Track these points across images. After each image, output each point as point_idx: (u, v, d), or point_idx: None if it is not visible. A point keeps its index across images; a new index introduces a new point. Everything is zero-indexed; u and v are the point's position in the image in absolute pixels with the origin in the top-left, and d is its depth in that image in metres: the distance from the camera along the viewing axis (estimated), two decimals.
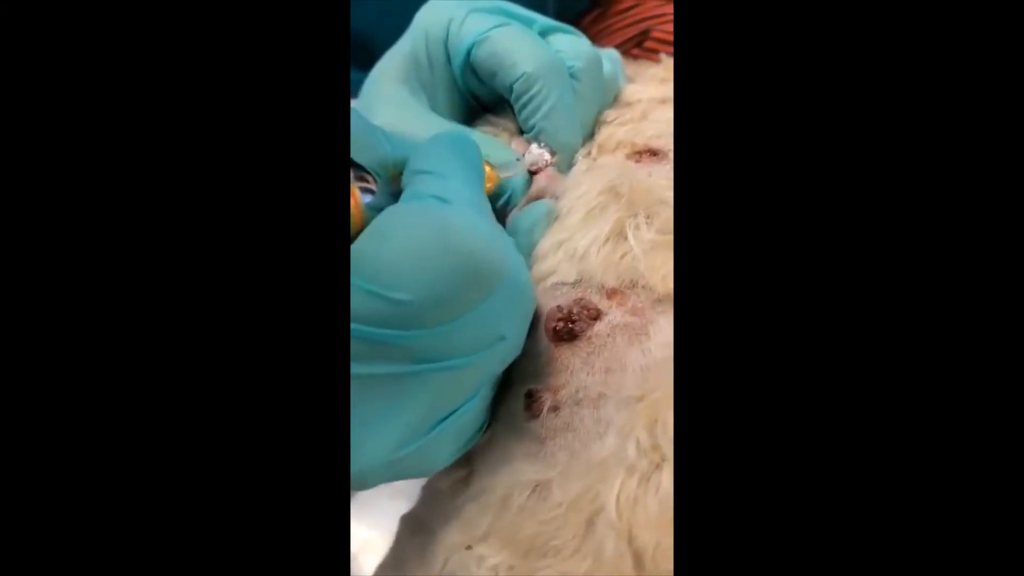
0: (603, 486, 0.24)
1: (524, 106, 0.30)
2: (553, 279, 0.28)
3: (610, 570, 0.23)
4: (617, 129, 0.33)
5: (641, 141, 0.33)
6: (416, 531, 0.28)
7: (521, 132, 0.32)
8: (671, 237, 0.27)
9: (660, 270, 0.27)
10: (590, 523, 0.24)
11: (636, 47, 0.46)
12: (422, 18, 0.33)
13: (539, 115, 0.30)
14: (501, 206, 0.30)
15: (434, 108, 0.33)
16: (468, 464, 0.28)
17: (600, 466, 0.24)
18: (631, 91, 0.36)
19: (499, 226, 0.26)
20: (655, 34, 0.45)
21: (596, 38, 0.47)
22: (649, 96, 0.36)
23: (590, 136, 0.33)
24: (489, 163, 0.28)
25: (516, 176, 0.30)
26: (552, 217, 0.30)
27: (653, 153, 0.32)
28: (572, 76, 0.31)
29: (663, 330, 0.26)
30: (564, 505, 0.24)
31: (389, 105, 0.32)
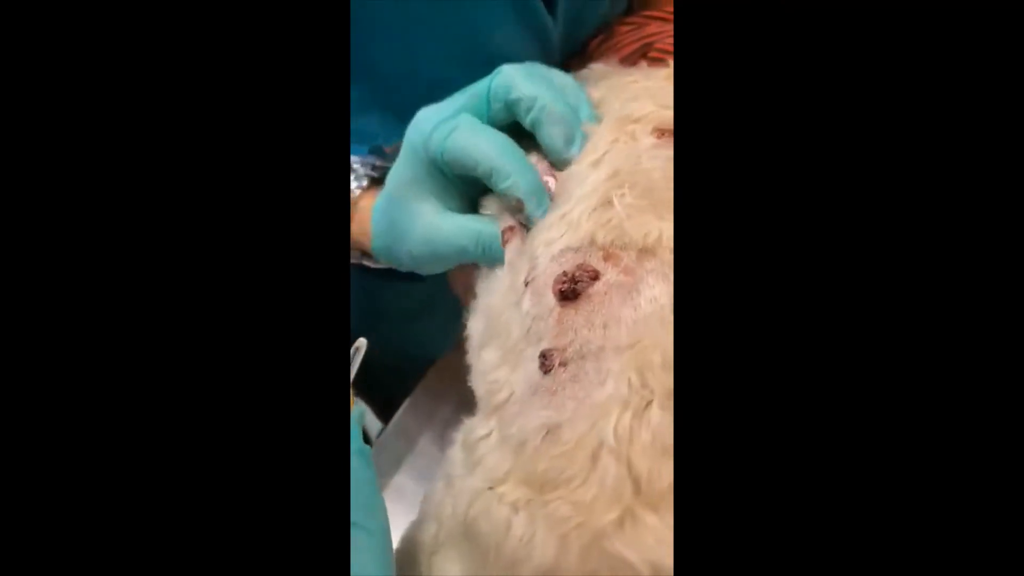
0: (604, 422, 0.27)
1: (489, 179, 0.36)
2: (559, 245, 0.32)
3: (613, 495, 0.27)
4: (663, 110, 0.37)
5: (667, 123, 0.36)
6: (446, 485, 0.32)
7: None
8: (649, 201, 0.32)
9: (642, 228, 0.31)
10: (595, 456, 0.27)
11: (642, 58, 0.50)
12: (408, 141, 0.39)
13: (502, 181, 0.35)
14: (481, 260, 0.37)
15: (448, 206, 0.39)
16: (493, 421, 0.31)
17: (601, 407, 0.28)
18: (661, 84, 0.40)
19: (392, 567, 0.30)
20: (658, 45, 0.49)
21: (605, 53, 0.52)
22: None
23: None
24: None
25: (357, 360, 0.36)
26: None
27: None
28: (509, 90, 0.37)
29: (651, 286, 0.30)
30: (572, 442, 0.28)
31: (419, 218, 0.39)
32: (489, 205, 0.37)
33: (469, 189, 0.39)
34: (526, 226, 0.35)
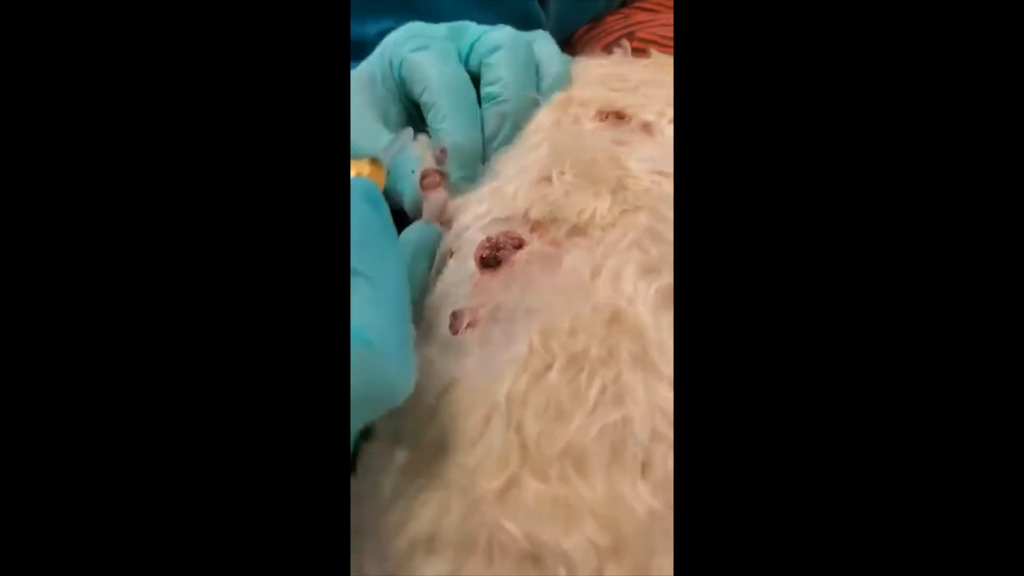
0: (497, 384, 0.26)
1: (427, 112, 0.35)
2: (490, 216, 0.31)
3: (499, 460, 0.25)
4: (610, 93, 0.36)
5: (619, 106, 0.35)
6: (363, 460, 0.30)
7: None
8: (587, 180, 0.31)
9: (577, 207, 0.29)
10: (486, 419, 0.26)
11: (617, 47, 0.49)
12: (382, 45, 0.38)
13: (438, 119, 0.34)
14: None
15: (386, 117, 0.38)
16: None
17: (500, 367, 0.26)
18: (625, 71, 0.39)
19: (405, 327, 0.25)
20: (639, 35, 0.48)
21: (589, 41, 0.51)
22: (640, 77, 0.38)
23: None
24: (373, 161, 0.30)
25: (401, 150, 0.33)
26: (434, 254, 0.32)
27: (619, 116, 0.35)
28: (492, 51, 0.36)
29: (574, 258, 0.29)
30: (466, 403, 0.26)
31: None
32: (421, 145, 0.36)
33: (414, 122, 0.37)
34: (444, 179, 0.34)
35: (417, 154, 0.35)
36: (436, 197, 0.33)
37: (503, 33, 0.36)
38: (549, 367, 0.26)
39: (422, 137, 0.36)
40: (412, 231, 0.32)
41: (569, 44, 0.52)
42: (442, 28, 0.38)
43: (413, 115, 0.37)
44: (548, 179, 0.31)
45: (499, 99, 0.35)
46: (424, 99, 0.34)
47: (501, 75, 0.35)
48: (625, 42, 0.46)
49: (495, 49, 0.35)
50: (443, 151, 0.33)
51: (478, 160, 0.34)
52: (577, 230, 0.29)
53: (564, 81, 0.38)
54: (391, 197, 0.34)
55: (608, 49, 0.49)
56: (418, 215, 0.34)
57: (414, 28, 0.37)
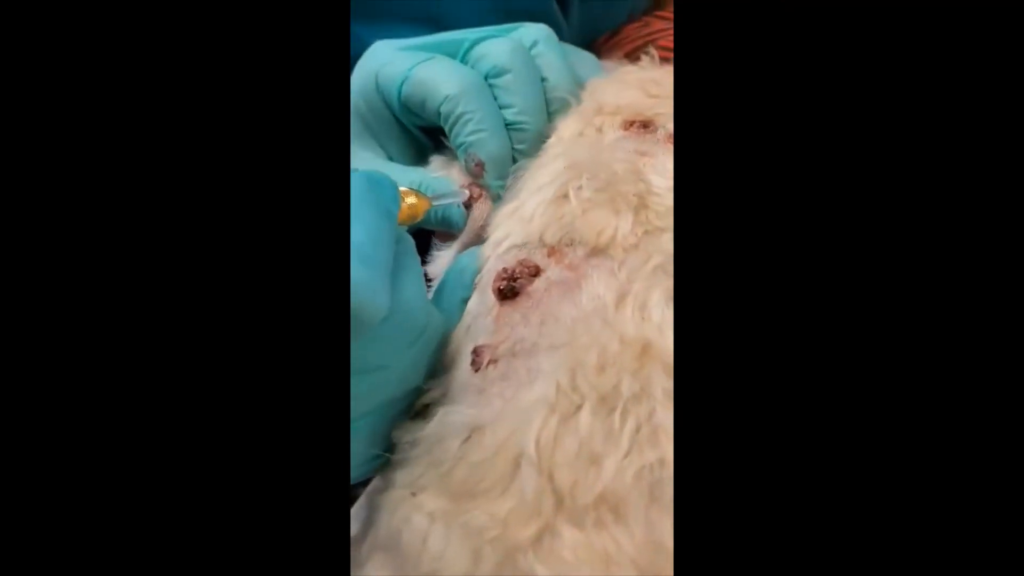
0: (526, 428, 0.25)
1: (452, 125, 0.33)
2: (507, 243, 0.30)
3: (532, 508, 0.24)
4: (646, 99, 0.35)
5: (648, 114, 0.34)
6: (378, 488, 0.30)
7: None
8: (607, 195, 0.29)
9: (595, 226, 0.28)
10: (516, 464, 0.25)
11: (645, 54, 0.47)
12: (355, 75, 0.35)
13: (466, 131, 0.32)
14: (438, 225, 0.33)
15: (386, 151, 0.36)
16: (422, 423, 0.29)
17: (527, 410, 0.25)
18: (658, 76, 0.38)
19: (382, 266, 0.24)
20: (661, 43, 0.47)
21: (610, 50, 0.50)
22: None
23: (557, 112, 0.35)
24: (418, 193, 0.30)
25: (453, 203, 0.32)
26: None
27: (645, 125, 0.34)
28: (499, 74, 0.33)
29: (595, 283, 0.27)
30: (493, 448, 0.25)
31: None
32: (437, 166, 0.35)
33: (419, 145, 0.35)
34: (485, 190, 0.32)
35: (451, 175, 0.34)
36: (480, 209, 0.32)
37: (504, 50, 0.33)
38: (579, 408, 0.25)
39: (437, 158, 0.35)
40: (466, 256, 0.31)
41: (591, 52, 0.51)
42: (430, 40, 0.35)
43: (421, 139, 0.36)
44: (566, 196, 0.30)
45: (517, 125, 0.34)
46: (444, 110, 0.32)
47: (515, 102, 0.33)
48: (652, 50, 0.44)
49: (503, 72, 0.33)
50: (479, 164, 0.32)
51: (511, 165, 0.33)
52: (596, 251, 0.28)
53: (571, 103, 0.36)
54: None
55: (631, 57, 0.48)
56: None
57: (389, 47, 0.35)
